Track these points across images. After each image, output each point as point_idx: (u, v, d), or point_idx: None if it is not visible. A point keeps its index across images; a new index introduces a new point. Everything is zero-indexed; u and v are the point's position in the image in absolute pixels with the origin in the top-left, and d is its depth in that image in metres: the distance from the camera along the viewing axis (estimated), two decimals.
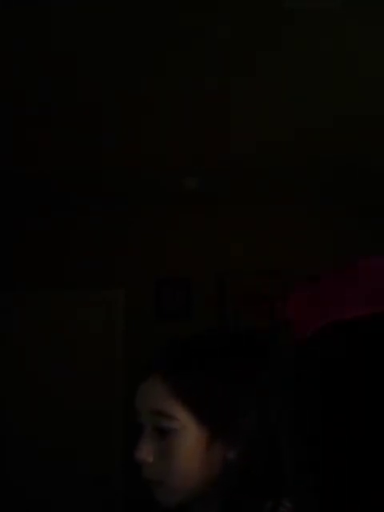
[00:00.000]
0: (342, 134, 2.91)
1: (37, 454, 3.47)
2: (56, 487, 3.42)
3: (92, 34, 2.08)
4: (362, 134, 2.93)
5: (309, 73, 2.36)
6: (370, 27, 2.05)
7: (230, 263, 3.76)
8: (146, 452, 0.76)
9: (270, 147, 3.07)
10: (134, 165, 3.27)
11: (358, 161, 3.28)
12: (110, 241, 3.83)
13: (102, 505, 3.39)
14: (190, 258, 3.79)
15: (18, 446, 3.50)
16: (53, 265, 3.78)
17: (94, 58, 2.23)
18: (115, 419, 3.52)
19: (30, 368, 3.61)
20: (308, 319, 0.85)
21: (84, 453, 3.47)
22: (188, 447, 0.74)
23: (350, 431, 0.82)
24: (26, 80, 2.37)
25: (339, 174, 3.44)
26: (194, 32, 2.08)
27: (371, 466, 0.80)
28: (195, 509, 0.77)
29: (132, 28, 2.05)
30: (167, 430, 0.75)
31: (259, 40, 2.13)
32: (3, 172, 3.28)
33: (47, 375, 3.60)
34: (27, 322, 3.69)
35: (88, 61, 2.25)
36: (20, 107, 2.60)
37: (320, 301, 0.83)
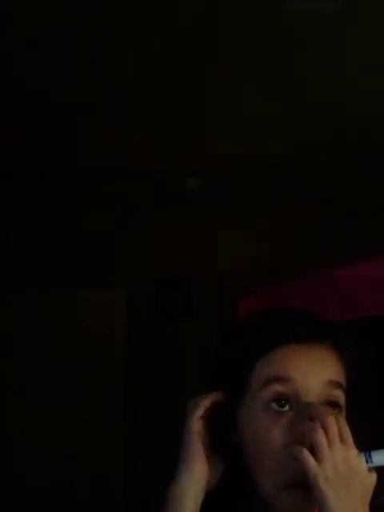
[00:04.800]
0: (343, 133, 2.91)
1: (37, 454, 3.47)
2: (56, 487, 3.42)
3: (90, 30, 2.08)
4: (363, 134, 2.93)
5: (309, 73, 2.36)
6: (370, 27, 2.05)
7: (230, 263, 3.75)
8: None
9: (270, 147, 3.07)
10: (134, 165, 3.27)
11: (358, 161, 3.28)
12: (110, 241, 3.83)
13: (102, 505, 3.39)
14: (190, 258, 3.79)
15: (18, 446, 3.50)
16: (53, 265, 3.78)
17: (92, 55, 2.23)
18: (115, 419, 3.52)
19: (30, 368, 3.61)
20: None
21: (84, 453, 3.47)
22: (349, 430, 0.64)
23: None
24: (26, 79, 2.37)
25: (339, 174, 3.44)
26: (195, 32, 2.08)
27: None
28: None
29: (131, 26, 2.05)
30: (338, 406, 0.66)
31: (259, 40, 2.13)
32: (3, 171, 3.28)
33: (47, 375, 3.60)
34: (27, 322, 3.69)
35: (85, 58, 2.25)
36: (20, 106, 2.60)
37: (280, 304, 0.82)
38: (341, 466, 0.58)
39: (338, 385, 0.66)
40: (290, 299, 0.83)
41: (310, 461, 0.58)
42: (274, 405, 0.64)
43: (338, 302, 0.93)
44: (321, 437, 0.59)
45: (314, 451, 0.59)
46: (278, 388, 0.64)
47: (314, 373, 0.65)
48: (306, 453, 0.59)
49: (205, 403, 0.69)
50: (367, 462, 0.60)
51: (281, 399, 0.64)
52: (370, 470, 0.61)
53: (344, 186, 3.65)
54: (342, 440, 0.59)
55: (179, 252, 3.81)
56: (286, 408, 0.64)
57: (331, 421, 0.60)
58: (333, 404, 0.65)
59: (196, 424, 0.67)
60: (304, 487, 0.61)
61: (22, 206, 3.79)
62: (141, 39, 2.11)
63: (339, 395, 0.66)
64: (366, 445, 0.62)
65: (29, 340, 3.65)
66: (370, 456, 0.61)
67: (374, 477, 0.61)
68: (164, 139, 2.95)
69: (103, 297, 3.75)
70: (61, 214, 3.85)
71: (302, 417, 0.63)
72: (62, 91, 2.47)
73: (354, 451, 0.59)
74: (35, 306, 3.72)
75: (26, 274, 3.75)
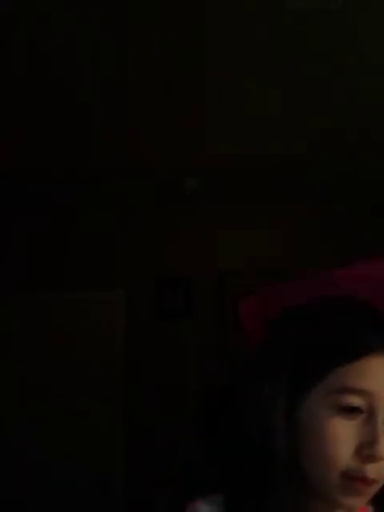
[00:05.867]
0: (343, 133, 2.91)
1: (37, 454, 3.47)
2: (56, 487, 3.42)
3: (90, 30, 2.08)
4: (363, 134, 2.93)
5: (309, 73, 2.36)
6: (370, 27, 2.05)
7: (230, 263, 3.75)
8: None
9: (270, 147, 3.07)
10: (134, 165, 3.27)
11: (358, 161, 3.28)
12: (110, 241, 3.83)
13: (102, 505, 3.39)
14: (190, 257, 3.79)
15: (18, 446, 3.50)
16: (53, 265, 3.78)
17: (92, 55, 2.23)
18: (115, 419, 3.52)
19: (30, 368, 3.61)
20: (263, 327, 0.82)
21: (84, 453, 3.47)
22: None
23: None
24: (26, 79, 2.37)
25: (339, 174, 3.44)
26: (195, 32, 2.08)
27: None
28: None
29: (131, 26, 2.05)
30: None
31: (259, 40, 2.13)
32: (3, 171, 3.28)
33: (47, 375, 3.60)
34: (27, 323, 3.68)
35: (85, 58, 2.25)
36: (20, 106, 2.60)
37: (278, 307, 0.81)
38: None
39: None
40: (290, 299, 0.83)
41: None
42: (346, 408, 0.64)
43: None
44: None
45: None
46: (354, 399, 0.64)
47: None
48: None
49: None
50: None
51: (355, 406, 0.64)
52: None
53: (344, 186, 3.65)
54: None
55: (179, 252, 3.80)
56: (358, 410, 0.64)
57: None
58: None
59: None
60: (362, 481, 0.62)
61: (22, 205, 3.79)
62: (141, 39, 2.11)
63: None
64: None
65: (29, 340, 3.65)
66: None
67: None
68: (164, 139, 2.95)
69: (103, 297, 3.75)
70: (61, 214, 3.85)
71: (373, 419, 0.63)
72: (61, 91, 2.47)
73: None
74: (35, 306, 3.72)
75: (26, 274, 3.75)
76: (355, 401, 0.63)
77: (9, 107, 2.59)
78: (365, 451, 0.62)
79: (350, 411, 0.64)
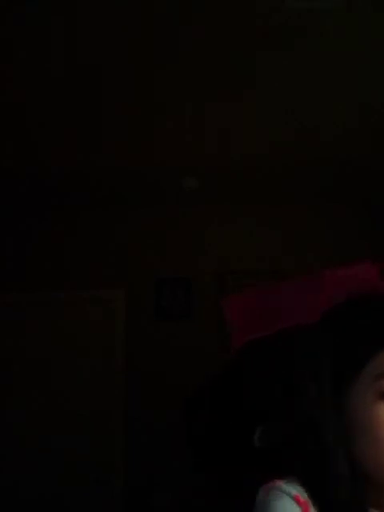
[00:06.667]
0: (342, 133, 2.91)
1: (37, 454, 3.47)
2: (56, 487, 3.42)
3: (91, 30, 2.08)
4: (363, 134, 2.93)
5: (309, 73, 2.36)
6: (370, 27, 2.05)
7: (230, 263, 3.75)
8: None
9: (270, 147, 3.07)
10: (134, 165, 3.27)
11: (358, 161, 3.27)
12: (110, 241, 3.83)
13: (102, 505, 3.39)
14: (190, 257, 3.79)
15: (18, 446, 3.50)
16: (53, 265, 3.78)
17: (92, 55, 2.23)
18: (115, 419, 3.52)
19: (29, 368, 3.61)
20: (255, 325, 0.82)
21: (84, 453, 3.47)
22: None
23: None
24: (26, 79, 2.37)
25: (339, 174, 3.44)
26: (194, 31, 2.08)
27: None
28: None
29: (131, 26, 2.05)
30: None
31: (259, 40, 2.13)
32: (3, 171, 3.28)
33: (47, 375, 3.60)
34: (27, 322, 3.69)
35: (86, 58, 2.25)
36: (20, 106, 2.60)
37: (270, 308, 0.82)
38: None
39: None
40: (279, 300, 0.83)
41: None
42: None
43: (325, 303, 0.92)
44: None
45: None
46: None
47: None
48: None
49: None
50: None
51: None
52: None
53: (344, 186, 3.65)
54: None
55: (179, 252, 3.80)
56: None
57: None
58: None
59: None
60: None
61: (22, 205, 3.79)
62: (142, 40, 2.11)
63: None
64: None
65: (29, 340, 3.65)
66: None
67: None
68: (164, 139, 2.95)
69: (103, 297, 3.75)
70: (61, 214, 3.86)
71: None
72: (61, 91, 2.47)
73: None
74: (35, 306, 3.72)
75: (26, 274, 3.75)
76: None
77: (8, 108, 2.59)
78: None
79: None
